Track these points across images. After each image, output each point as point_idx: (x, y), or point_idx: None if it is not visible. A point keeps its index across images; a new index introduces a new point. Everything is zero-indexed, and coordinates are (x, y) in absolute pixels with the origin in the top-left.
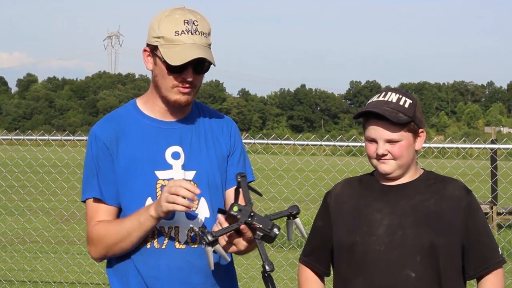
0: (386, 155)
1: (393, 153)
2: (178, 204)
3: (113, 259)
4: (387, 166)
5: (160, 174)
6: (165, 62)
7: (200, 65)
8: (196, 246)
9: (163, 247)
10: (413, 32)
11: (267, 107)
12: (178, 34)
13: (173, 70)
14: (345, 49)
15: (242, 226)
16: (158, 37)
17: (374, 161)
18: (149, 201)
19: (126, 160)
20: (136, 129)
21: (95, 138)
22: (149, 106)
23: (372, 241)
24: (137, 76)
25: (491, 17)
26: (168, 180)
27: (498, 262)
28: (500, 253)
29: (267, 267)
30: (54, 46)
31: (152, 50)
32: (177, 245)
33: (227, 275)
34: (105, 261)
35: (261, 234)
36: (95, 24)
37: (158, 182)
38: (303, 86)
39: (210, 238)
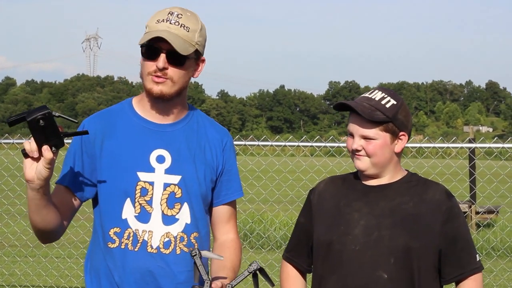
0: (360, 150)
1: (367, 150)
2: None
3: (90, 258)
4: (360, 163)
5: (142, 176)
6: (141, 47)
7: (174, 55)
8: (168, 252)
9: (136, 249)
10: (392, 33)
11: (246, 108)
12: (159, 22)
13: (146, 55)
14: (324, 50)
15: None
16: (145, 28)
17: (351, 157)
18: (127, 201)
19: (110, 157)
20: (125, 127)
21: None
22: (142, 106)
23: (348, 241)
24: (115, 79)
25: (469, 17)
26: (149, 183)
27: (474, 269)
28: (478, 259)
29: None
30: (33, 49)
31: None
32: (149, 249)
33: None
34: (84, 259)
35: None
36: (73, 27)
37: (138, 183)
38: (282, 87)
39: None
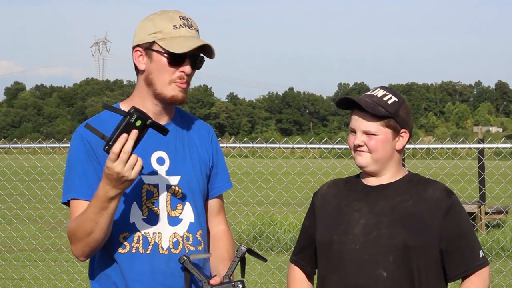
0: (362, 146)
1: (368, 146)
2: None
3: (96, 265)
4: (362, 159)
5: (146, 179)
6: (166, 53)
7: (196, 60)
8: (178, 251)
9: (148, 251)
10: (400, 33)
11: (256, 110)
12: (177, 28)
13: (173, 62)
14: (333, 52)
15: None
16: (155, 33)
17: (353, 154)
18: (134, 205)
19: None
20: None
21: (81, 139)
22: None
23: (348, 240)
24: (125, 82)
25: (478, 17)
26: (153, 185)
27: (478, 265)
28: (482, 255)
29: None
30: (42, 54)
31: (147, 47)
32: (160, 250)
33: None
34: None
35: None
36: (82, 31)
37: (143, 186)
38: (291, 89)
39: None
